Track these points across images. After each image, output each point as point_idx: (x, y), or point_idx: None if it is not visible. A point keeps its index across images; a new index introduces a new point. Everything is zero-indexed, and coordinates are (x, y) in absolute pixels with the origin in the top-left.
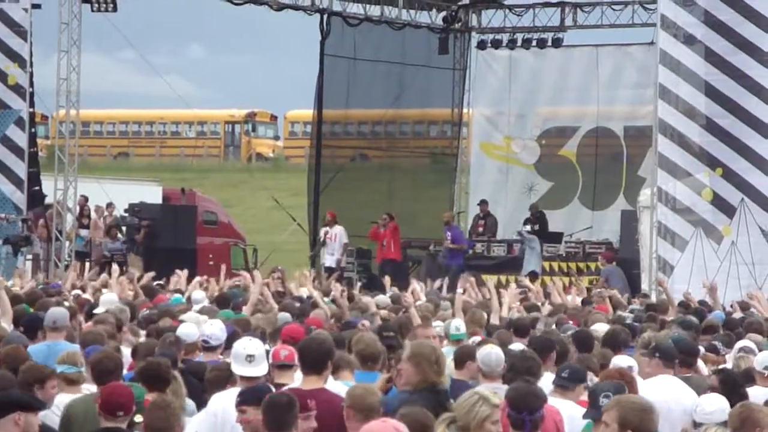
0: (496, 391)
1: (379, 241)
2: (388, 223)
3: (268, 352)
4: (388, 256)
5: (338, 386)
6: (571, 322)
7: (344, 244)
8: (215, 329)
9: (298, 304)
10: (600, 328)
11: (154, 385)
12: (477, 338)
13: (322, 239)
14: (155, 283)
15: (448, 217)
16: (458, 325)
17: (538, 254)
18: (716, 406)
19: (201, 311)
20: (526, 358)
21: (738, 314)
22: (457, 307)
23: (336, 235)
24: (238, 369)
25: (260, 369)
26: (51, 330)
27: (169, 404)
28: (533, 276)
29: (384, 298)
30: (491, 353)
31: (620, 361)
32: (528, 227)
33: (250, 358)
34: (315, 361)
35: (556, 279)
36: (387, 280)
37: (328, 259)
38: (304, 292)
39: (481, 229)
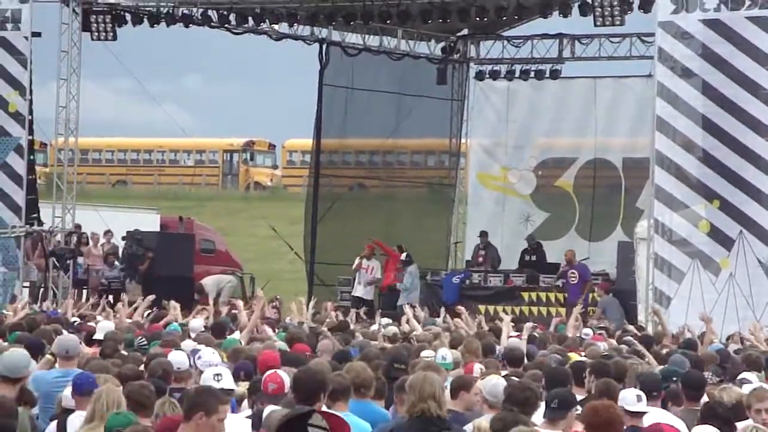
0: None
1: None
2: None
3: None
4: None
5: None
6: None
7: (377, 279)
8: (215, 357)
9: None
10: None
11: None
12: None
13: (354, 268)
14: (151, 310)
15: (570, 255)
16: (444, 354)
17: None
18: None
19: (197, 339)
20: (524, 388)
21: (735, 346)
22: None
23: (372, 268)
24: None
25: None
26: (63, 359)
27: None
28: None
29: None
30: (498, 385)
31: (629, 394)
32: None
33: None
34: (308, 393)
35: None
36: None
37: (359, 290)
38: (296, 321)
39: (480, 260)
